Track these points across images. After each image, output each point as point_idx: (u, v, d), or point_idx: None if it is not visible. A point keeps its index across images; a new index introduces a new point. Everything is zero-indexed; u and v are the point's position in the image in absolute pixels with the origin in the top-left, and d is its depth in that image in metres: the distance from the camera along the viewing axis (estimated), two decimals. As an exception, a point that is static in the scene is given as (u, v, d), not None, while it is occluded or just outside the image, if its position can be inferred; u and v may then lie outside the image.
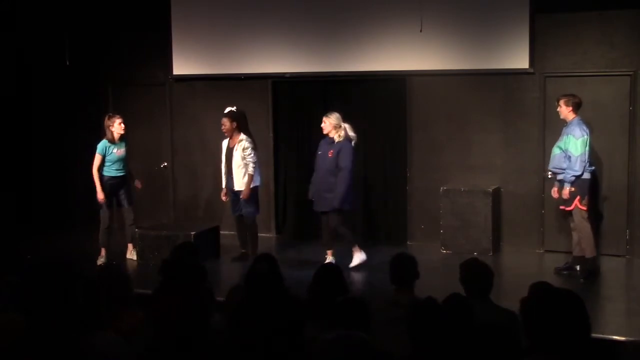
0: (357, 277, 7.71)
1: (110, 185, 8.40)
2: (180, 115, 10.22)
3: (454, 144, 8.96)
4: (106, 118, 8.45)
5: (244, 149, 8.13)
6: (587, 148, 7.36)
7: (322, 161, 7.92)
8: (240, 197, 8.22)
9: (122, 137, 8.46)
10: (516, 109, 8.70)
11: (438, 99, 8.99)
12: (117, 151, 8.41)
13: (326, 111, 9.72)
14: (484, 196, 8.52)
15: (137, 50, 10.22)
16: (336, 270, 4.81)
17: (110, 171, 8.40)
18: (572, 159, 7.30)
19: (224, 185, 8.40)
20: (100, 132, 8.70)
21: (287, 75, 9.53)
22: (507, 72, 8.62)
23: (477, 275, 4.65)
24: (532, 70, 8.50)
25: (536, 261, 8.43)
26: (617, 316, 6.44)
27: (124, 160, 8.48)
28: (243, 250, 8.41)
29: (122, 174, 8.48)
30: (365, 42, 9.08)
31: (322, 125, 7.92)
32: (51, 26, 10.33)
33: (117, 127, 8.35)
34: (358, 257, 7.97)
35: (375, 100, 9.11)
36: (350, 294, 4.57)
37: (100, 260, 8.41)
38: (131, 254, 8.59)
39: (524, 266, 8.03)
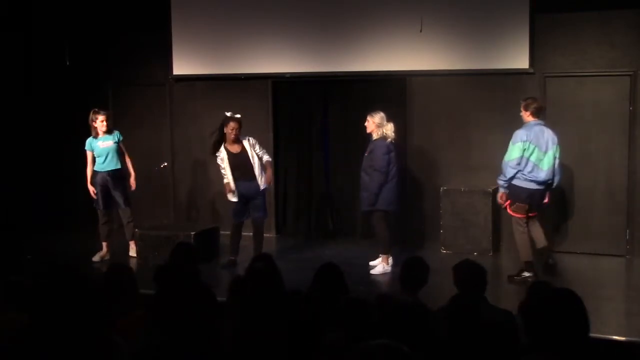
0: (358, 276, 7.69)
1: (101, 180, 8.34)
2: (180, 115, 10.22)
3: (454, 143, 8.96)
4: (91, 112, 8.35)
5: (254, 146, 7.99)
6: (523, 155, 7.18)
7: (364, 160, 7.87)
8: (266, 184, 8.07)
9: (111, 132, 8.37)
10: (516, 109, 8.66)
11: (438, 99, 9.00)
12: (102, 143, 8.34)
13: (326, 111, 9.76)
14: (484, 196, 8.52)
15: (137, 50, 10.23)
16: (337, 270, 4.82)
17: (99, 165, 8.37)
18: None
19: (233, 189, 7.94)
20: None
21: (287, 75, 9.54)
22: (507, 72, 8.62)
23: (471, 276, 4.66)
24: (532, 70, 8.51)
25: (536, 261, 8.41)
26: (616, 316, 6.43)
27: (114, 154, 8.36)
28: (232, 258, 8.09)
29: (112, 168, 8.37)
30: (365, 42, 9.08)
31: (366, 124, 7.82)
32: (51, 26, 10.34)
33: (99, 123, 8.29)
34: (382, 267, 7.82)
35: (375, 100, 9.09)
36: (351, 294, 4.57)
37: (98, 256, 8.41)
38: (133, 252, 8.53)
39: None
